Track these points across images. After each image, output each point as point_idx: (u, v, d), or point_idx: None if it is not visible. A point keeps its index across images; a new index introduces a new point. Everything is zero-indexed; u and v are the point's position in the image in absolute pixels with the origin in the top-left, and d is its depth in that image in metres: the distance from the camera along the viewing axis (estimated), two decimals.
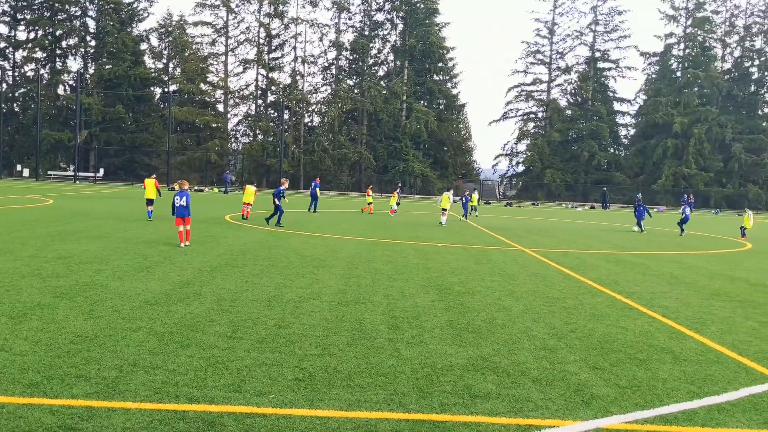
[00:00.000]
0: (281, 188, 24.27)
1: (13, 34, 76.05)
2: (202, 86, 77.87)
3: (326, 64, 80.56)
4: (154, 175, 25.91)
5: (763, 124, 77.12)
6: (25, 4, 74.93)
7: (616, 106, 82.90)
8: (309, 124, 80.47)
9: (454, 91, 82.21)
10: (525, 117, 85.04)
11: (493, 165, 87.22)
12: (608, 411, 5.81)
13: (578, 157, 78.28)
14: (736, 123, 75.41)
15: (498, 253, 18.48)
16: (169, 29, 77.77)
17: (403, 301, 10.39)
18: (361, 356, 7.11)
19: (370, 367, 6.72)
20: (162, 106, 77.82)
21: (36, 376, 5.90)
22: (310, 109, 79.92)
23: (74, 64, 78.49)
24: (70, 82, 76.05)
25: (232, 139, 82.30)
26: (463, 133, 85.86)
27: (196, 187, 59.15)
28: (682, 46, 79.97)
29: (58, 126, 73.01)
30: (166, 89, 78.56)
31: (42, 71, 75.20)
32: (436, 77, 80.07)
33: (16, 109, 77.57)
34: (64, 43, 76.69)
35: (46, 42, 73.99)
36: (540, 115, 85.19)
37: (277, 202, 23.46)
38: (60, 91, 76.74)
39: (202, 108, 77.33)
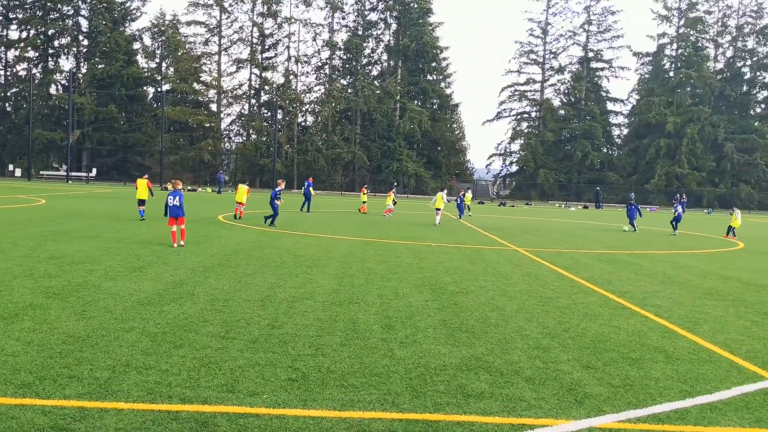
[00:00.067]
0: (278, 189, 24.27)
1: (5, 33, 75.57)
2: (196, 86, 77.63)
3: (320, 64, 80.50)
4: (146, 176, 25.79)
5: (755, 124, 77.42)
6: (17, 3, 74.49)
7: (609, 105, 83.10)
8: (302, 123, 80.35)
9: (448, 91, 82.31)
10: (518, 117, 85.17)
11: (487, 165, 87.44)
12: (601, 410, 5.82)
13: (571, 157, 78.44)
14: (728, 123, 75.73)
15: (491, 252, 18.51)
16: (162, 29, 77.46)
17: (397, 300, 10.40)
18: (355, 356, 7.11)
19: (364, 367, 6.72)
20: (155, 105, 77.53)
21: (28, 377, 5.88)
22: (303, 108, 79.80)
23: (67, 63, 78.23)
24: (63, 82, 75.67)
25: (226, 139, 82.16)
26: (456, 132, 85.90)
27: (189, 187, 58.98)
28: (674, 46, 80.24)
29: (51, 126, 72.66)
30: (159, 89, 78.28)
31: (34, 71, 74.77)
32: (429, 77, 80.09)
33: (8, 109, 77.18)
34: (56, 43, 76.26)
35: (39, 41, 73.60)
36: (533, 114, 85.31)
37: (278, 203, 23.56)
38: (52, 90, 76.36)
39: (195, 108, 77.10)
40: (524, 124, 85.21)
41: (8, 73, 76.58)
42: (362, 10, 79.22)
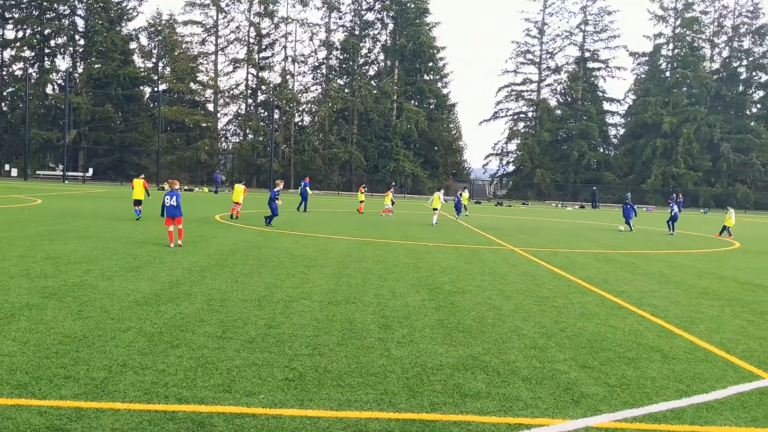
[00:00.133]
0: (276, 189, 24.26)
1: (1, 32, 75.46)
2: (192, 85, 77.57)
3: (316, 64, 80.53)
4: (143, 176, 25.72)
5: (751, 124, 77.64)
6: (13, 2, 74.35)
7: (606, 105, 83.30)
8: (299, 123, 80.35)
9: (445, 91, 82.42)
10: (515, 117, 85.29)
11: (484, 164, 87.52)
12: (598, 409, 5.83)
13: (568, 157, 78.55)
14: (724, 123, 75.92)
15: (488, 252, 18.52)
16: (159, 28, 77.39)
17: (394, 300, 10.40)
18: (352, 356, 7.11)
19: (361, 367, 6.72)
20: (151, 105, 77.48)
21: (24, 377, 5.87)
22: (300, 108, 79.79)
23: (63, 63, 78.12)
24: (59, 82, 75.54)
25: (222, 139, 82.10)
26: (453, 132, 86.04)
27: (186, 187, 58.94)
28: (671, 46, 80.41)
29: (47, 125, 72.55)
30: (155, 88, 78.18)
31: (30, 70, 74.69)
32: (426, 77, 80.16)
33: (5, 109, 77.04)
34: (52, 42, 76.16)
35: (35, 41, 73.48)
36: (530, 114, 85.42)
37: (279, 202, 23.57)
38: (49, 90, 76.27)
39: (191, 107, 77.04)
40: (521, 124, 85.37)
41: (4, 73, 76.49)
42: (359, 9, 79.25)
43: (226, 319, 8.47)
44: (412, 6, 77.04)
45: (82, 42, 76.51)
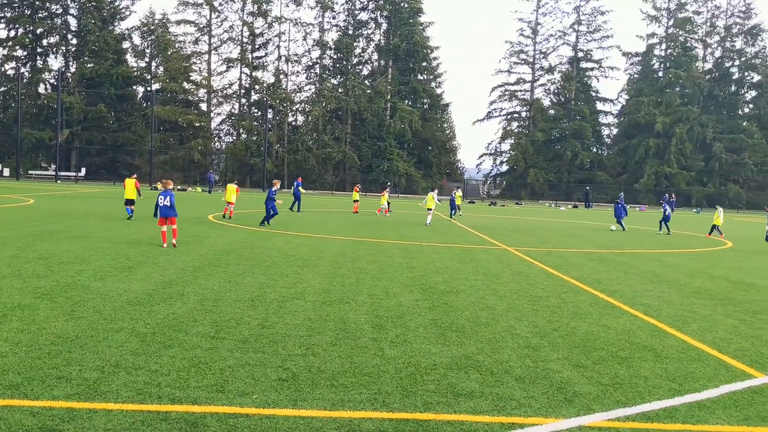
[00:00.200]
0: (273, 189, 24.23)
1: None
2: (185, 85, 77.34)
3: (310, 63, 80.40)
4: (135, 176, 25.61)
5: (744, 124, 77.95)
6: (5, 1, 73.87)
7: (599, 105, 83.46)
8: (293, 123, 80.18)
9: (438, 91, 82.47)
10: (508, 116, 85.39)
11: (477, 164, 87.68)
12: (591, 409, 5.85)
13: (561, 157, 78.71)
14: (717, 123, 76.20)
15: (482, 252, 18.55)
16: (152, 27, 77.11)
17: (387, 300, 10.40)
18: (345, 356, 7.11)
19: (354, 367, 6.72)
20: (144, 105, 77.18)
21: (16, 378, 5.84)
22: (294, 108, 79.64)
23: (55, 62, 77.62)
24: (51, 81, 75.17)
25: (216, 139, 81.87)
26: (447, 132, 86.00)
27: (179, 187, 58.76)
28: (663, 46, 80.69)
29: (39, 125, 72.17)
30: (148, 88, 77.95)
31: (22, 70, 74.22)
32: (420, 77, 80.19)
33: None
34: (45, 42, 75.75)
35: (27, 40, 73.07)
36: (523, 114, 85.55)
37: (279, 202, 23.56)
38: (41, 89, 75.85)
39: (185, 107, 76.81)
40: (514, 124, 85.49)
41: None
42: (352, 9, 79.18)
43: (219, 319, 8.46)
44: (406, 6, 77.06)
45: (74, 41, 76.15)
